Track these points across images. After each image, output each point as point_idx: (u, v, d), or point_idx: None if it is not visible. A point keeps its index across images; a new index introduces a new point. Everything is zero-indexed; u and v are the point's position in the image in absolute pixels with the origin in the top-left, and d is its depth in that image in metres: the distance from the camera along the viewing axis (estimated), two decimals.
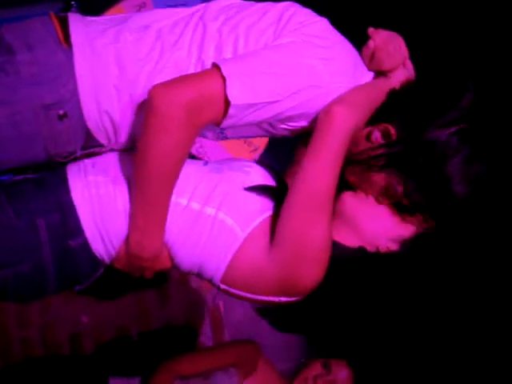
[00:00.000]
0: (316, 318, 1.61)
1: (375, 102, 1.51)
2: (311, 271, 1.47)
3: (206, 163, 1.60)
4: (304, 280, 1.47)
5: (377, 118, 1.51)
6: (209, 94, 1.40)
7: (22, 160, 1.53)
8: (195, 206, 1.50)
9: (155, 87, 1.41)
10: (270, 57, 1.44)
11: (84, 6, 3.10)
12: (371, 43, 1.53)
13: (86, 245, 1.49)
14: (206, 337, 2.80)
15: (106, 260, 1.53)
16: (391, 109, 1.51)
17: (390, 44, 1.53)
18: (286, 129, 1.54)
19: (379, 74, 1.55)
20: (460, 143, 1.46)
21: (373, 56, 1.53)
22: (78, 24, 1.53)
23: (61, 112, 1.47)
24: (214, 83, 1.40)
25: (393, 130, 1.49)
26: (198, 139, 1.52)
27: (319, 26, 1.51)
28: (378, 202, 1.53)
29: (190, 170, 1.53)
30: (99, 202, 1.49)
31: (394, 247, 1.55)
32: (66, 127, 1.49)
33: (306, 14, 1.54)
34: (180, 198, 1.50)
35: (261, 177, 1.57)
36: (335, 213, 1.51)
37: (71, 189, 1.50)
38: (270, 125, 1.53)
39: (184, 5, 2.92)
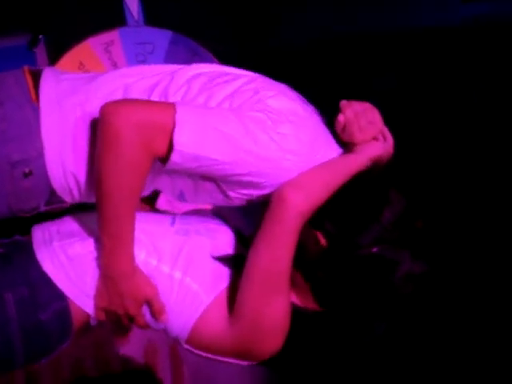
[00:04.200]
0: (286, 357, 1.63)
1: (333, 182, 1.47)
2: (268, 345, 1.50)
3: (173, 222, 1.59)
4: (260, 351, 1.51)
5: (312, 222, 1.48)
6: (161, 124, 1.39)
7: None
8: (165, 268, 1.51)
9: (107, 104, 1.40)
10: (228, 118, 1.43)
11: (51, 41, 3.13)
12: (341, 117, 1.50)
13: (61, 312, 1.49)
14: (164, 373, 2.79)
15: (84, 320, 1.53)
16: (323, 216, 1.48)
17: (361, 117, 1.49)
18: (238, 198, 1.53)
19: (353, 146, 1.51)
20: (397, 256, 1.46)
21: (344, 129, 1.50)
22: (49, 82, 1.53)
23: (26, 170, 1.47)
24: (168, 118, 1.39)
25: (323, 240, 1.48)
26: None
27: (278, 100, 1.48)
28: None
29: (156, 230, 1.55)
30: (70, 263, 1.50)
31: None
32: (30, 185, 1.49)
33: (266, 88, 1.51)
34: (150, 258, 1.51)
35: (226, 243, 1.58)
36: (299, 285, 1.53)
37: (40, 261, 1.49)
38: (223, 192, 1.52)
39: (152, 43, 3.00)
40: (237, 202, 1.55)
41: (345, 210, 1.48)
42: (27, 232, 1.59)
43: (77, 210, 1.63)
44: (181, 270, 1.51)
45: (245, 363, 1.55)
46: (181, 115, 1.39)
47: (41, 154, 1.48)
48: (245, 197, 1.52)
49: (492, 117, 2.74)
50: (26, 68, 1.56)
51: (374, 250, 1.45)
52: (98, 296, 1.50)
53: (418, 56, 2.87)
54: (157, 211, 1.77)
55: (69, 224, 1.58)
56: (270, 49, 3.09)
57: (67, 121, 1.49)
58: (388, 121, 1.53)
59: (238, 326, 1.49)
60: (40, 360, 1.54)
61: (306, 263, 1.51)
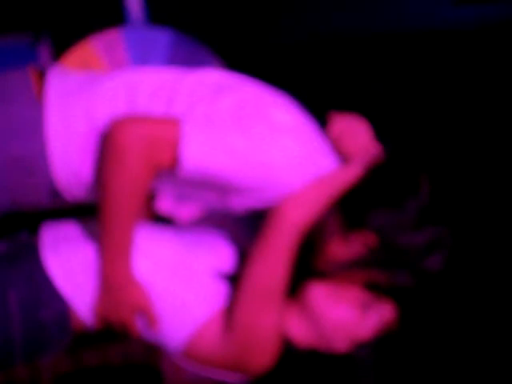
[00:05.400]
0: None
1: (331, 196, 1.48)
2: (259, 360, 1.52)
3: (177, 235, 1.61)
4: (251, 365, 1.53)
5: (351, 222, 1.48)
6: (166, 140, 1.43)
7: None
8: (164, 281, 1.53)
9: (113, 121, 1.44)
10: (232, 131, 1.45)
11: (53, 39, 3.14)
12: (331, 129, 1.52)
13: (61, 313, 1.52)
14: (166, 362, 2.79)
15: (83, 324, 1.55)
16: (361, 211, 1.47)
17: (348, 129, 1.51)
18: (238, 205, 1.54)
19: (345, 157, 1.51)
20: (435, 240, 1.46)
21: (335, 141, 1.52)
22: (54, 81, 1.55)
23: (29, 166, 1.50)
24: (173, 134, 1.43)
25: (372, 239, 1.47)
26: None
27: (280, 112, 1.50)
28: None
29: (159, 242, 1.57)
30: (74, 268, 1.52)
31: (347, 349, 1.56)
32: (33, 181, 1.52)
33: (269, 99, 1.53)
34: (150, 269, 1.53)
35: (229, 260, 1.59)
36: (299, 301, 1.55)
37: (44, 262, 1.52)
38: (223, 199, 1.54)
39: (153, 42, 3.01)
40: (236, 210, 1.57)
41: (382, 198, 1.47)
42: (30, 227, 1.62)
43: (83, 212, 1.67)
44: (180, 283, 1.53)
45: (238, 379, 1.56)
46: (186, 131, 1.43)
47: (44, 152, 1.50)
48: (244, 205, 1.54)
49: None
50: (31, 67, 1.59)
51: (426, 228, 1.44)
52: (96, 302, 1.53)
53: (410, 58, 2.88)
54: (157, 216, 1.78)
55: (76, 229, 1.61)
56: (270, 46, 3.10)
57: (71, 120, 1.52)
58: (384, 119, 1.54)
59: (229, 338, 1.50)
60: (39, 358, 1.57)
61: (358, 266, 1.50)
